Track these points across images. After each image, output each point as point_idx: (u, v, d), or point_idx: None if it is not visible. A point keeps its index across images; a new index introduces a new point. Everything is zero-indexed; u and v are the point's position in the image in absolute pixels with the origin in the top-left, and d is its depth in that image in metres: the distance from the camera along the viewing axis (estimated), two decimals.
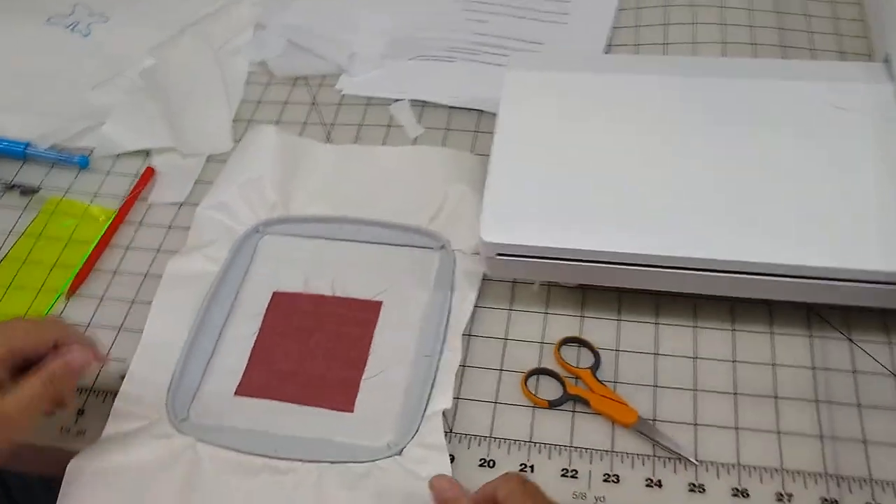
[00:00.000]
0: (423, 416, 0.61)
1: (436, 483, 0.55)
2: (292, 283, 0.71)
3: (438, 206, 0.73)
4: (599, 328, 0.66)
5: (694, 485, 0.58)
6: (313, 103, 0.85)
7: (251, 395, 0.65)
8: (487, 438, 0.61)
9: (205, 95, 0.85)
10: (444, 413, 0.62)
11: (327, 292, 0.70)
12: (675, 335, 0.66)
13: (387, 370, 0.65)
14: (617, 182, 0.64)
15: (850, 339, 0.64)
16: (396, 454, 0.60)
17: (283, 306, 0.69)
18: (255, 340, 0.68)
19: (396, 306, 0.68)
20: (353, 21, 0.91)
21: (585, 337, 0.66)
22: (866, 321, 0.64)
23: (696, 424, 0.61)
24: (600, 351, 0.65)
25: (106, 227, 0.75)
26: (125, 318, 0.70)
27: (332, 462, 0.60)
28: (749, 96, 0.68)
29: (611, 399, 0.62)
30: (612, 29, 0.87)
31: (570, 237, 0.61)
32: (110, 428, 0.62)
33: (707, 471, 0.58)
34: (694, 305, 0.67)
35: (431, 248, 0.71)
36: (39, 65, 0.90)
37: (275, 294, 0.70)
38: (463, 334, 0.66)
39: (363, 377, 0.65)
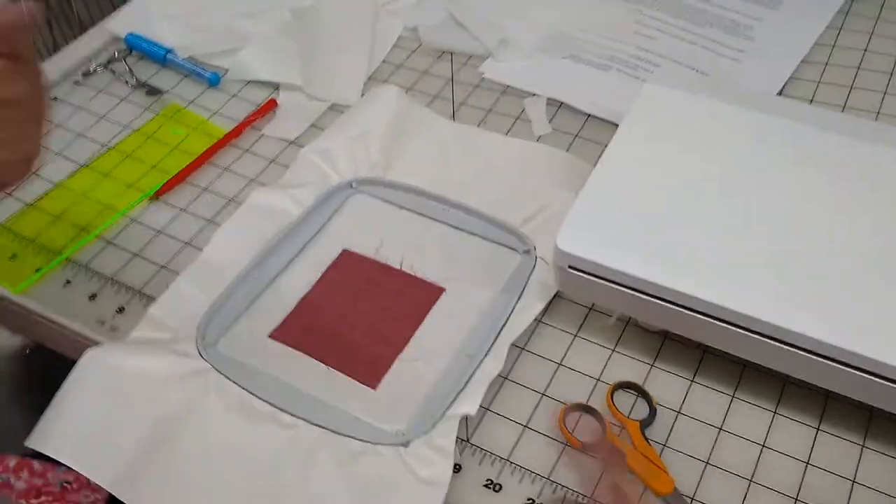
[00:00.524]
0: (442, 416, 0.56)
1: None
2: (364, 246, 0.67)
3: (538, 209, 0.67)
4: (667, 383, 0.59)
5: None
6: (451, 79, 0.82)
7: (283, 342, 0.61)
8: (503, 461, 0.55)
9: (348, 46, 0.83)
10: (466, 420, 0.57)
11: (395, 264, 0.66)
12: (749, 415, 0.57)
13: (424, 358, 0.60)
14: (724, 228, 0.56)
15: None
16: (402, 445, 0.55)
17: (347, 265, 0.66)
18: (308, 291, 0.65)
19: (458, 297, 0.63)
20: (519, 9, 0.87)
21: (647, 388, 0.58)
22: None
23: None
24: (659, 407, 0.57)
25: (211, 142, 0.75)
26: (196, 234, 0.69)
27: (334, 431, 0.56)
28: None
29: (650, 461, 0.54)
30: (788, 78, 0.78)
31: (654, 270, 0.54)
32: (137, 332, 0.61)
33: None
34: (781, 388, 0.58)
35: (515, 250, 0.66)
36: None
37: (343, 251, 0.67)
38: (515, 345, 0.60)
39: (398, 357, 0.60)
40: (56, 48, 0.85)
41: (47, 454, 0.55)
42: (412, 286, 0.64)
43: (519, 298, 0.62)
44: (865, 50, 0.81)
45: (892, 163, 0.59)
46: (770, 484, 0.53)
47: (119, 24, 0.86)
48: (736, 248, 0.55)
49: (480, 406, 0.57)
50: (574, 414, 0.57)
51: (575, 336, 0.62)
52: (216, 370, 0.58)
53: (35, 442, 0.55)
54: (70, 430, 0.55)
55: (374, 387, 0.59)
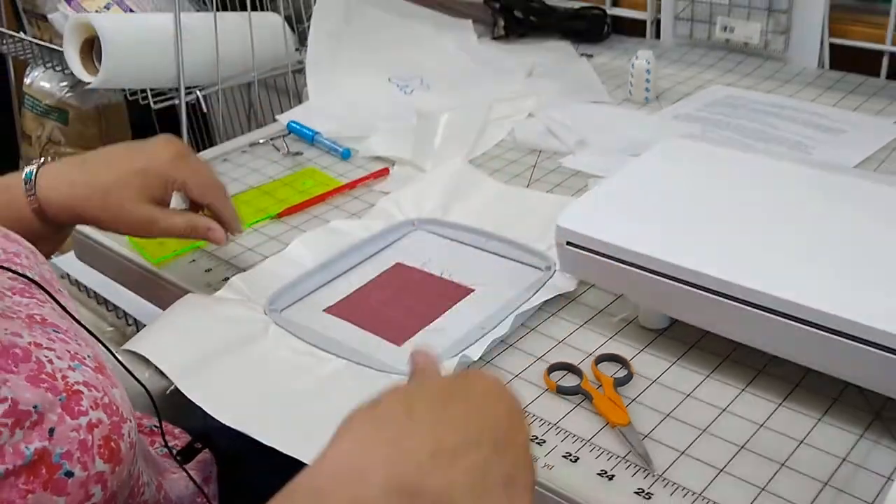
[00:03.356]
0: (448, 359, 0.66)
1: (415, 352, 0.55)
2: (414, 262, 0.81)
3: None
4: (650, 362, 0.66)
5: (643, 490, 0.54)
6: (533, 166, 0.97)
7: (333, 314, 0.75)
8: None
9: (457, 138, 1.01)
10: (468, 367, 0.66)
11: (437, 274, 0.79)
12: (719, 390, 0.63)
13: (445, 329, 0.71)
14: (709, 223, 0.66)
15: None
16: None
17: (397, 273, 0.80)
18: (362, 285, 0.79)
19: (485, 295, 0.75)
20: (606, 125, 1.02)
21: (633, 364, 0.65)
22: None
23: (683, 453, 0.57)
24: (637, 376, 0.64)
25: (327, 190, 0.94)
26: None
27: (357, 363, 0.67)
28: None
29: (614, 402, 0.61)
30: None
31: (641, 242, 0.63)
32: (220, 292, 0.77)
33: (664, 487, 0.55)
34: (755, 374, 0.63)
35: (538, 268, 0.77)
36: (366, 100, 1.14)
37: (396, 263, 0.81)
38: (525, 326, 0.70)
39: (424, 328, 0.72)
40: None
41: (139, 352, 0.70)
42: (447, 287, 0.77)
43: (533, 294, 0.73)
44: None
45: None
46: (721, 436, 0.58)
47: (287, 117, 1.10)
48: (716, 233, 0.64)
49: (482, 359, 0.66)
50: (560, 372, 0.65)
51: (581, 326, 0.70)
52: (275, 323, 0.72)
53: (131, 345, 0.71)
54: (155, 339, 0.71)
55: (399, 344, 0.70)
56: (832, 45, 1.16)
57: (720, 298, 0.60)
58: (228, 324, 0.72)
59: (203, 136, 1.59)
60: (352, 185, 0.95)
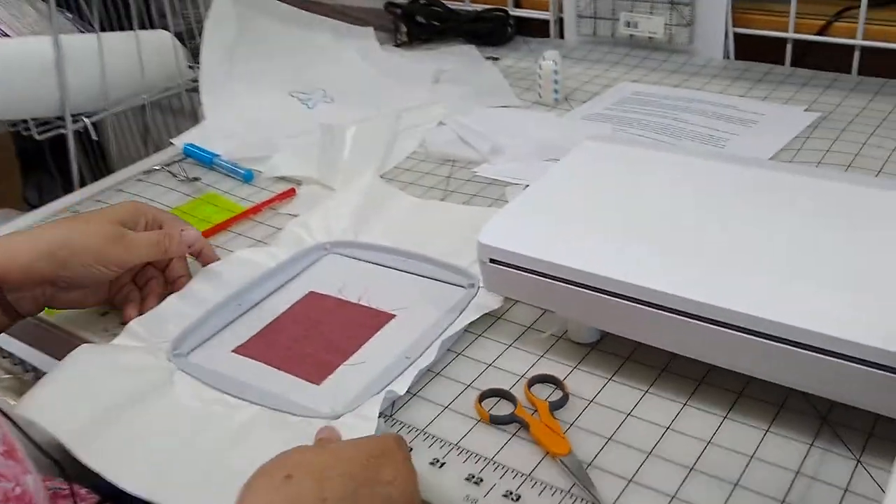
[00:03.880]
0: (372, 396, 0.61)
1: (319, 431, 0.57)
2: (328, 289, 0.76)
3: None
4: (585, 380, 0.62)
5: None
6: (448, 177, 0.93)
7: (243, 355, 0.69)
8: (417, 430, 0.59)
9: (366, 153, 0.96)
10: (394, 402, 0.61)
11: (354, 301, 0.74)
12: (660, 406, 0.59)
13: (367, 362, 0.66)
14: (619, 231, 0.62)
15: (859, 461, 0.53)
16: (332, 418, 0.60)
17: (311, 302, 0.75)
18: (273, 319, 0.73)
19: (407, 320, 0.70)
20: (516, 128, 0.99)
21: (566, 383, 0.62)
22: (888, 447, 0.54)
23: (630, 481, 0.54)
24: (573, 397, 0.61)
25: (229, 217, 0.87)
26: None
27: (272, 408, 0.62)
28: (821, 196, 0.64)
29: (552, 430, 0.57)
30: None
31: (567, 254, 0.60)
32: (118, 340, 0.70)
33: None
34: (695, 387, 0.60)
35: (461, 286, 0.73)
36: (267, 117, 1.08)
37: (310, 292, 0.76)
38: (451, 350, 0.66)
39: (344, 363, 0.67)
40: None
41: (27, 416, 0.63)
42: (366, 315, 0.72)
43: (458, 316, 0.68)
44: (819, 162, 0.89)
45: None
46: (668, 457, 0.55)
47: (183, 139, 1.03)
48: (639, 240, 0.61)
49: (408, 392, 0.62)
50: (492, 399, 0.61)
51: (509, 346, 0.66)
52: (180, 370, 0.66)
53: (20, 407, 0.63)
54: (45, 401, 0.63)
55: (317, 383, 0.65)
56: (736, 36, 1.15)
57: (650, 308, 0.57)
58: (128, 375, 0.65)
59: (99, 164, 1.50)
60: (256, 210, 0.89)
